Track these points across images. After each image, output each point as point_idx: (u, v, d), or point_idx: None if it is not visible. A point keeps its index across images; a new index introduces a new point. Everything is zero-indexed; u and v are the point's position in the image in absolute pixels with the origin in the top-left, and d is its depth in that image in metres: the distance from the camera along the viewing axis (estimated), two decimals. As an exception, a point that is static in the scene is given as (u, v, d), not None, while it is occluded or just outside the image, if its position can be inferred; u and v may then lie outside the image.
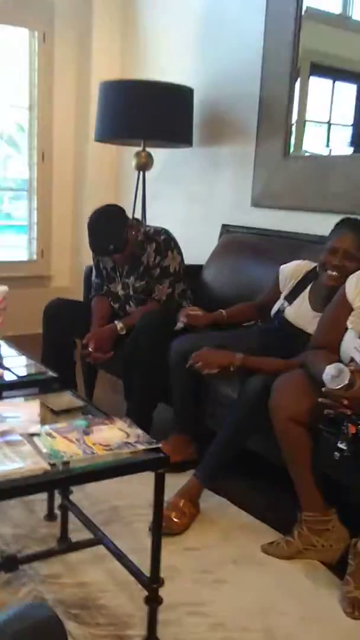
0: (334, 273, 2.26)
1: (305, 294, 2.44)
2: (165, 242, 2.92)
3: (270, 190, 3.26)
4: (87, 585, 1.90)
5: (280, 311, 2.50)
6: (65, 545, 2.05)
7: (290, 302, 2.47)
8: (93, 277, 3.17)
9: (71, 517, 2.09)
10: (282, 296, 2.53)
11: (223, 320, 2.72)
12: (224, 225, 3.47)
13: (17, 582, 1.89)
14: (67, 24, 4.26)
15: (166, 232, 2.95)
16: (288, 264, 2.57)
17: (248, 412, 2.19)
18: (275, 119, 3.21)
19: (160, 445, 1.63)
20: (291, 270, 2.55)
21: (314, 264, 2.47)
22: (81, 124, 4.34)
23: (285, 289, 2.54)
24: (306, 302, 2.42)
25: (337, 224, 2.36)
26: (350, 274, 2.12)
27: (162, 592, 1.68)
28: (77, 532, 2.08)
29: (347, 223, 2.34)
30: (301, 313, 2.42)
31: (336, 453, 1.79)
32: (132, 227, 2.91)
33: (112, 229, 2.84)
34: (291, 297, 2.48)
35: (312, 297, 2.42)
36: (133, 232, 2.90)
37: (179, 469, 2.46)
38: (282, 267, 2.58)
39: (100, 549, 1.96)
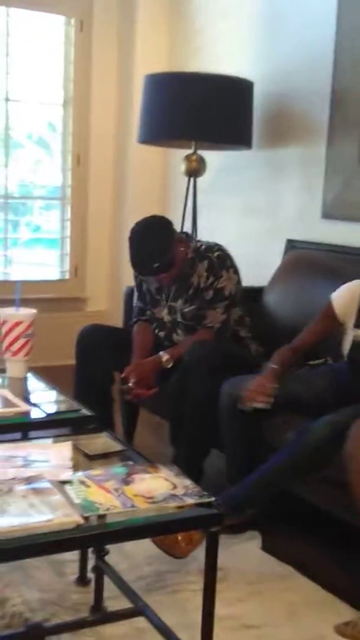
0: None
1: None
2: (220, 259, 2.93)
3: (344, 200, 3.25)
4: (125, 665, 1.90)
5: (357, 343, 2.47)
6: (100, 615, 2.04)
7: None
8: (134, 300, 3.21)
9: (107, 581, 2.07)
10: (351, 325, 2.51)
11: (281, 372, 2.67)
12: (289, 241, 3.47)
13: (43, 656, 1.90)
14: (107, 11, 4.37)
15: (220, 249, 2.97)
16: (338, 291, 2.57)
17: (308, 458, 2.24)
18: (350, 115, 3.20)
19: (213, 499, 1.62)
20: (347, 294, 2.54)
21: None
22: (123, 123, 4.44)
23: (349, 316, 2.52)
24: None
25: None
26: None
27: None
28: (114, 600, 2.06)
29: None
30: None
31: None
32: (181, 242, 2.94)
33: (157, 244, 2.86)
34: None
35: None
36: (182, 248, 2.92)
37: (235, 531, 2.43)
38: (333, 296, 2.57)
39: (141, 621, 1.94)
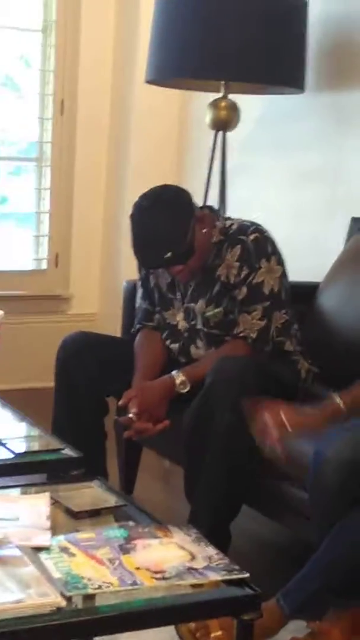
0: None
1: None
2: (258, 244, 2.92)
3: None
4: None
5: None
6: None
7: None
8: (138, 300, 3.22)
9: None
10: None
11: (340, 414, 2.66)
12: (355, 220, 3.46)
13: None
14: None
15: (258, 229, 2.96)
16: None
17: None
18: None
19: (246, 574, 1.61)
20: None
21: None
22: (124, 56, 4.47)
23: None
24: None
25: None
26: None
27: None
28: None
29: None
30: None
31: None
32: (204, 220, 2.94)
33: (170, 225, 2.87)
34: None
35: None
36: (204, 230, 2.92)
37: None
38: None
39: None
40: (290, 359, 3.01)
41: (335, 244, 3.44)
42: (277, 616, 2.27)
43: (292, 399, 2.74)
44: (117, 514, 1.89)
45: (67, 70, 4.49)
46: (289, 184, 3.89)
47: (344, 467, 2.38)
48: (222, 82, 3.64)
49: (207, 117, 3.75)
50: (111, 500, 1.95)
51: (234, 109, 3.71)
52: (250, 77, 3.54)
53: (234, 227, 2.97)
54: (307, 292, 3.28)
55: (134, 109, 4.44)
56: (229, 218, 3.07)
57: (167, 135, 4.47)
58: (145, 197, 2.92)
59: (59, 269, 4.62)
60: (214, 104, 3.71)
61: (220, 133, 3.76)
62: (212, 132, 3.77)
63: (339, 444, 2.42)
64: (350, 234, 3.43)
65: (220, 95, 3.69)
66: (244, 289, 2.90)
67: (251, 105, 3.86)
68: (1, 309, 2.46)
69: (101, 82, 4.54)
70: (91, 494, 1.98)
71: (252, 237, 2.93)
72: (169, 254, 2.85)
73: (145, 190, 2.93)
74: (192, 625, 2.18)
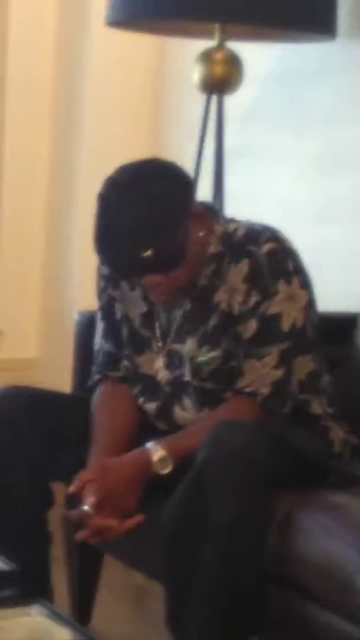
0: None
1: None
2: (274, 259, 2.92)
3: None
4: None
5: None
6: None
7: None
8: (97, 338, 3.21)
9: None
10: None
11: None
12: None
13: None
14: None
15: (275, 237, 2.96)
16: None
17: None
18: None
19: None
20: None
21: None
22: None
23: None
24: None
25: None
26: None
27: None
28: None
29: None
30: None
31: None
32: (200, 220, 2.96)
33: (156, 212, 2.87)
34: None
35: None
36: (201, 233, 2.93)
37: None
38: None
39: None
40: (320, 425, 3.02)
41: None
42: None
43: (322, 481, 2.78)
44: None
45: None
46: (312, 171, 3.90)
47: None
48: (217, 25, 3.67)
49: (196, 74, 3.77)
50: (59, 633, 1.94)
51: (234, 63, 3.74)
52: (258, 17, 3.55)
53: (240, 233, 2.96)
54: (342, 328, 3.30)
55: (88, 65, 4.50)
56: (232, 220, 3.06)
57: (137, 102, 4.53)
58: (123, 170, 2.90)
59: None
60: (206, 56, 3.74)
61: (215, 97, 3.78)
62: (204, 97, 3.80)
63: None
64: None
65: (214, 43, 3.72)
66: (254, 324, 2.89)
67: (259, 59, 3.91)
68: None
69: (42, 24, 4.61)
70: (29, 625, 1.98)
71: (265, 248, 2.91)
72: (148, 252, 2.83)
73: (117, 167, 2.92)
74: None
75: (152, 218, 2.83)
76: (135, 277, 2.95)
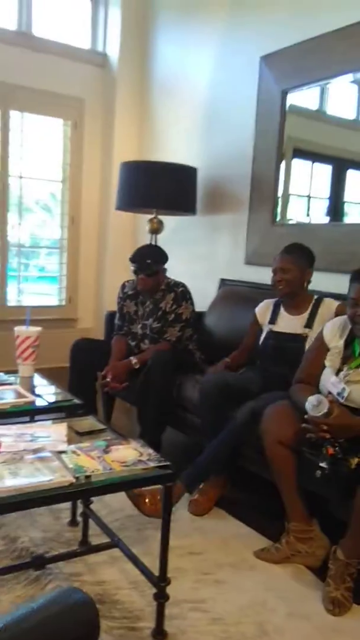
0: None
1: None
2: (182, 293, 2.93)
3: (260, 251, 3.28)
4: (105, 583, 1.86)
5: (267, 334, 2.47)
6: (86, 548, 2.00)
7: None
8: (116, 320, 3.16)
9: (91, 523, 2.05)
10: (266, 323, 2.53)
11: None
12: (222, 280, 3.48)
13: (44, 579, 1.85)
14: (94, 115, 4.37)
15: (184, 286, 2.95)
16: (257, 308, 2.57)
17: (236, 436, 2.24)
18: (265, 192, 3.25)
19: (168, 463, 1.60)
20: (263, 306, 2.57)
21: None
22: (104, 195, 4.40)
23: (265, 318, 2.55)
24: None
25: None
26: None
27: (169, 590, 1.64)
28: (96, 537, 2.04)
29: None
30: None
31: (317, 471, 1.77)
32: (164, 274, 2.95)
33: (154, 251, 2.91)
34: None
35: None
36: (162, 277, 2.93)
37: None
38: (255, 310, 2.59)
39: (116, 551, 1.92)
40: (191, 352, 3.01)
41: (212, 292, 3.46)
42: (179, 488, 2.25)
43: (192, 372, 2.74)
44: (102, 433, 1.85)
45: (75, 202, 4.41)
46: (188, 261, 3.85)
47: (216, 387, 2.37)
48: (154, 209, 3.61)
49: (147, 227, 3.71)
50: (99, 426, 1.92)
51: (161, 223, 3.69)
52: (168, 206, 3.50)
53: (172, 283, 2.95)
54: (198, 317, 3.24)
55: (110, 222, 4.36)
56: (170, 278, 3.00)
57: (127, 236, 4.40)
58: (142, 246, 2.96)
59: (71, 304, 4.52)
60: (150, 221, 3.68)
61: (154, 235, 3.72)
62: (150, 235, 3.73)
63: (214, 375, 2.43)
64: (220, 287, 3.46)
65: (153, 216, 3.66)
66: (172, 315, 2.90)
67: (170, 221, 3.84)
68: (40, 327, 2.43)
69: (93, 208, 4.46)
70: (88, 423, 1.93)
71: (180, 289, 2.93)
72: (149, 261, 2.82)
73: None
74: (138, 490, 2.17)
75: (154, 253, 2.87)
76: (139, 272, 2.86)
